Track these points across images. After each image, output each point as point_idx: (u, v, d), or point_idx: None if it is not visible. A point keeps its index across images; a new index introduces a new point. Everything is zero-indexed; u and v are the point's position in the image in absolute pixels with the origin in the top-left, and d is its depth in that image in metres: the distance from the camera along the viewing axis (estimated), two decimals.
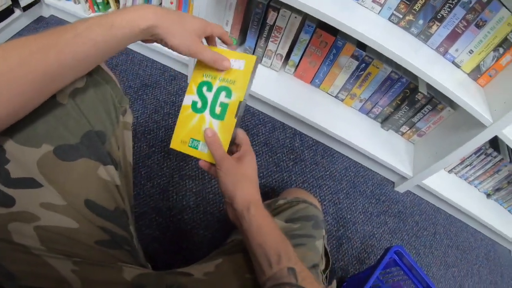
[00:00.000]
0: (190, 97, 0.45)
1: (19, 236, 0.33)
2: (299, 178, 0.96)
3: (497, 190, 1.23)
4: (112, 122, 0.39)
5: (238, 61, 0.43)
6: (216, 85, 0.44)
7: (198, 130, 0.45)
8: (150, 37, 0.38)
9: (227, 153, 0.44)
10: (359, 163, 1.11)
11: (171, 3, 0.93)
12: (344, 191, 1.01)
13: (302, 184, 0.95)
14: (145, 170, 0.81)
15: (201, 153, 0.45)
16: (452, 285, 1.10)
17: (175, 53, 0.94)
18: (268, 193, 0.91)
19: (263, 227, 0.42)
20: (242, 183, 0.44)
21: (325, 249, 0.54)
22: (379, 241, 0.99)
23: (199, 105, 0.45)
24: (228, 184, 0.43)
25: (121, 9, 0.38)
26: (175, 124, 0.47)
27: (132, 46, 1.05)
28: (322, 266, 0.52)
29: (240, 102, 0.43)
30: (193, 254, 0.74)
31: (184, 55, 0.41)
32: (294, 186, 0.94)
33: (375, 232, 1.00)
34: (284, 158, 0.98)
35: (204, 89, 0.45)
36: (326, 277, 0.54)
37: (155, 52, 1.02)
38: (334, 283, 0.64)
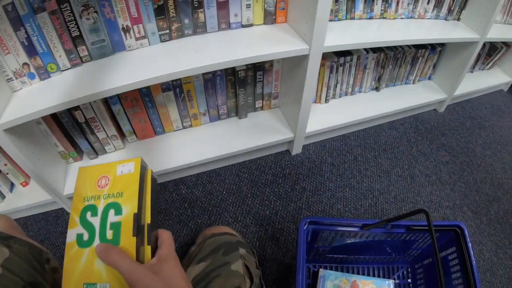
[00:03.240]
0: (73, 232, 0.36)
1: None
2: (203, 217, 0.96)
3: (379, 79, 1.24)
4: (39, 272, 0.47)
5: (125, 165, 0.35)
6: (101, 205, 0.35)
7: (91, 270, 0.34)
8: None
9: None
10: (246, 161, 1.10)
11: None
12: (249, 195, 1.01)
13: (208, 220, 0.95)
14: None
15: None
16: (404, 183, 1.10)
17: (42, 198, 0.96)
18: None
19: None
20: None
21: (246, 267, 0.54)
22: (310, 209, 0.99)
23: (86, 237, 0.35)
24: None
25: None
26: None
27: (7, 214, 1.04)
28: (247, 285, 0.53)
29: (135, 214, 0.34)
30: None
31: None
32: (204, 228, 0.94)
33: (300, 205, 0.99)
34: (181, 211, 0.98)
35: (88, 215, 0.36)
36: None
37: (27, 209, 1.00)
38: None
